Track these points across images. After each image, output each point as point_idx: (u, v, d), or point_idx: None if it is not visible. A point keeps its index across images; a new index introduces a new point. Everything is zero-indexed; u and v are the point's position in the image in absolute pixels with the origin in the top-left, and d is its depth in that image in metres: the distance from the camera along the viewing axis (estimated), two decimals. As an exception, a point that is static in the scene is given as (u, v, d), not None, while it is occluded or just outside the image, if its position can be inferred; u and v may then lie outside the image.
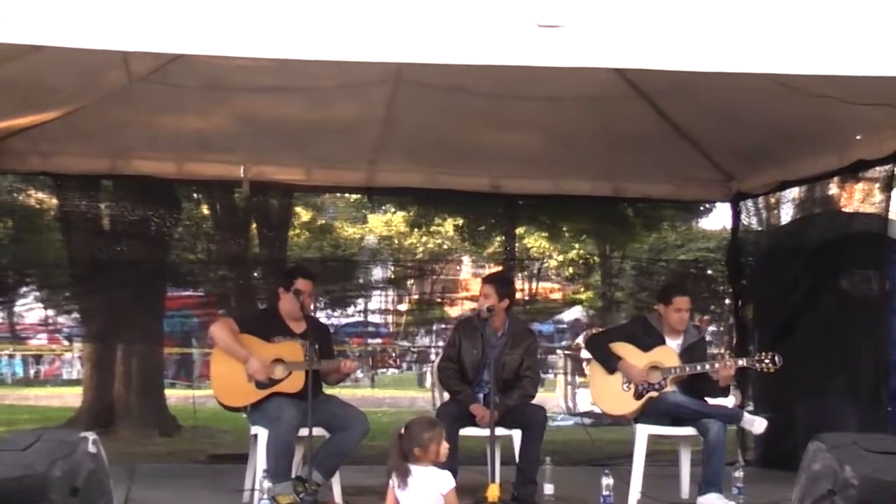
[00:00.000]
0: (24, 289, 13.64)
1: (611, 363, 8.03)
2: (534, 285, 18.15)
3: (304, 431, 7.06)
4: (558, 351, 21.18)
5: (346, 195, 18.13)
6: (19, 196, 13.22)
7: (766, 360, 7.72)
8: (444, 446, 5.60)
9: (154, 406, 12.75)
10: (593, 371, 8.32)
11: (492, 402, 7.17)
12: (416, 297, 15.66)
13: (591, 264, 20.85)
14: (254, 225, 12.96)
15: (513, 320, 8.03)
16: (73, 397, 15.13)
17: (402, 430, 5.54)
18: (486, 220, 15.86)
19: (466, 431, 7.55)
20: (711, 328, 18.67)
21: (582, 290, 22.37)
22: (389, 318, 18.76)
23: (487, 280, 8.08)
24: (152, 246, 11.51)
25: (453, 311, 15.59)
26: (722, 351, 13.39)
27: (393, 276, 16.45)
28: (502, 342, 7.84)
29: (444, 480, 5.52)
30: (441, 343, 13.70)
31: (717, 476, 7.55)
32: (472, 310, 7.94)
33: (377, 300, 18.06)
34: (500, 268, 12.59)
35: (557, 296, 22.17)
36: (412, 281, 16.15)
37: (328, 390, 7.87)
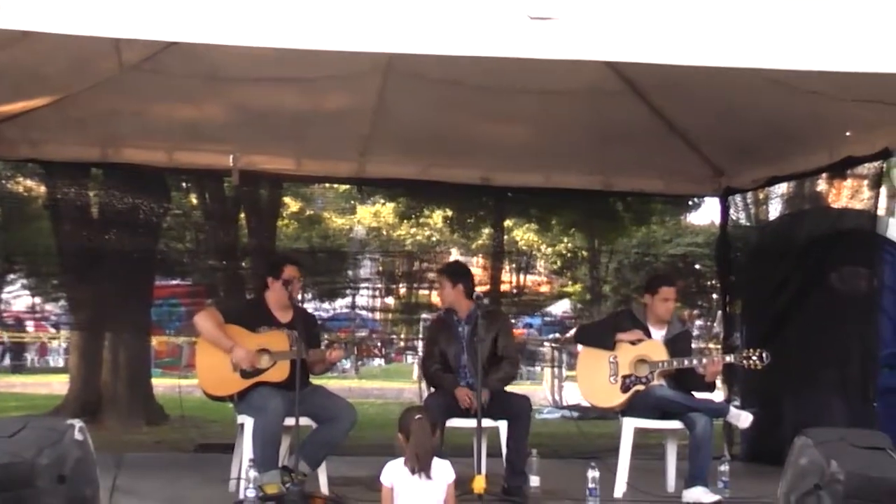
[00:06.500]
0: (12, 276, 13.61)
1: (608, 341, 8.02)
2: (522, 278, 18.10)
3: (290, 421, 7.04)
4: (546, 344, 21.14)
5: (335, 186, 18.10)
6: (8, 183, 13.17)
7: (754, 358, 7.71)
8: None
9: (141, 395, 12.70)
10: (581, 364, 8.32)
11: (478, 390, 7.15)
12: (405, 288, 15.60)
13: (579, 258, 20.84)
14: (243, 215, 12.91)
15: (477, 305, 8.00)
16: (59, 385, 15.07)
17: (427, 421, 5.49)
18: (476, 213, 15.83)
19: (453, 423, 7.55)
20: (699, 322, 18.70)
21: (570, 283, 22.34)
22: (377, 309, 18.72)
23: (439, 271, 8.64)
24: (141, 235, 11.44)
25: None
26: (709, 345, 13.38)
27: (381, 268, 16.38)
28: (469, 328, 7.91)
29: (449, 471, 5.48)
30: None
31: (703, 470, 7.56)
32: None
33: (365, 291, 18.02)
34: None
35: (545, 289, 22.11)
36: (400, 272, 16.09)
37: (315, 380, 7.87)
